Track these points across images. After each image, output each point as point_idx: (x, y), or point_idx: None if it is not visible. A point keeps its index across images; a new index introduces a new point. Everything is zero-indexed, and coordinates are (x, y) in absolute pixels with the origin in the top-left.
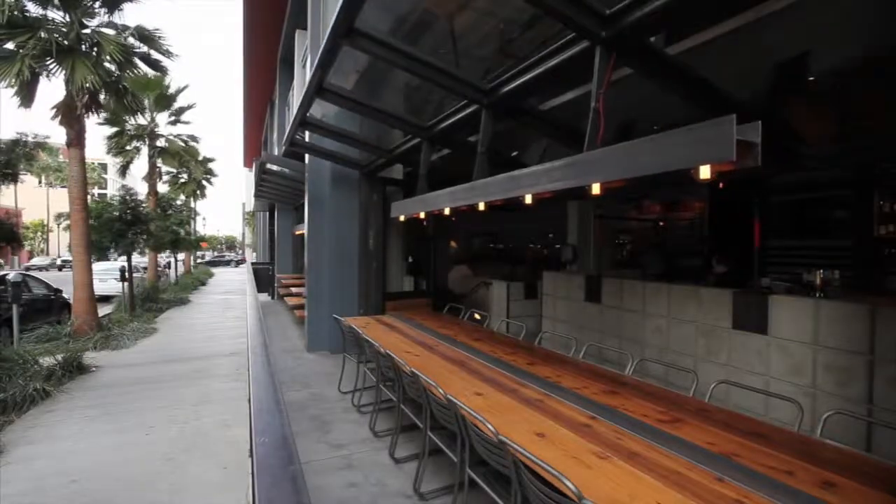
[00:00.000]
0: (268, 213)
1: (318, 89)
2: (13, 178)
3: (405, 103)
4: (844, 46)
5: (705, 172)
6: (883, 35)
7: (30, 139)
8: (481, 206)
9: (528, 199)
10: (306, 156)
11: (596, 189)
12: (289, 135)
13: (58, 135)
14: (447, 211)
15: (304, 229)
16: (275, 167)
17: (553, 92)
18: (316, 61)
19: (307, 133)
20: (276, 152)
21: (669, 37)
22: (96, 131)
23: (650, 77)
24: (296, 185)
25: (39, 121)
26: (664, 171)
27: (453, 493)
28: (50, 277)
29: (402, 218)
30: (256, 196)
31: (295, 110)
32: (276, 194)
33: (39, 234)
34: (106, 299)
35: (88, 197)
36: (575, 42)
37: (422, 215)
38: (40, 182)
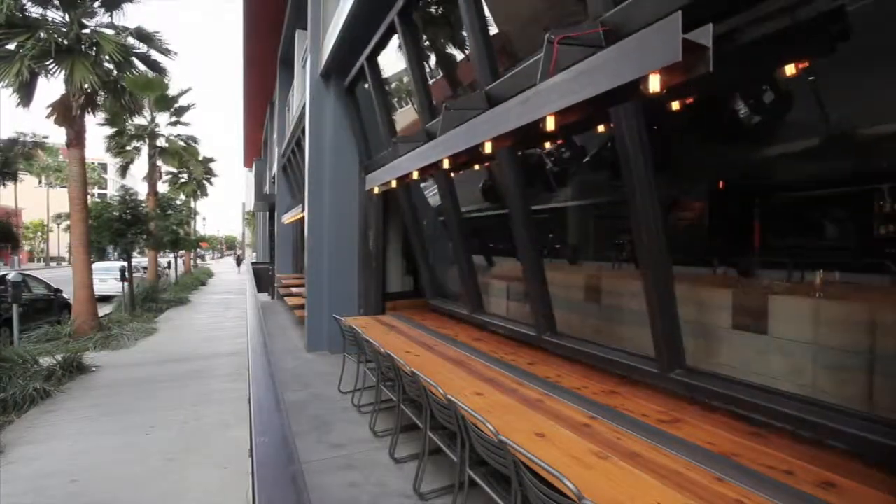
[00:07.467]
0: (268, 214)
1: None
2: (12, 178)
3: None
4: None
5: (655, 84)
6: None
7: (28, 139)
8: (446, 164)
9: (489, 149)
10: (307, 156)
11: (550, 124)
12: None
13: (58, 134)
14: (416, 175)
15: (293, 216)
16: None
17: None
18: None
19: (307, 133)
20: (275, 153)
21: None
22: (96, 131)
23: None
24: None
25: (41, 120)
26: (616, 87)
27: (453, 493)
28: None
29: (376, 190)
30: (280, 159)
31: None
32: (295, 168)
33: (39, 234)
34: (106, 299)
35: (88, 197)
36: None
37: (394, 184)
38: (40, 182)
